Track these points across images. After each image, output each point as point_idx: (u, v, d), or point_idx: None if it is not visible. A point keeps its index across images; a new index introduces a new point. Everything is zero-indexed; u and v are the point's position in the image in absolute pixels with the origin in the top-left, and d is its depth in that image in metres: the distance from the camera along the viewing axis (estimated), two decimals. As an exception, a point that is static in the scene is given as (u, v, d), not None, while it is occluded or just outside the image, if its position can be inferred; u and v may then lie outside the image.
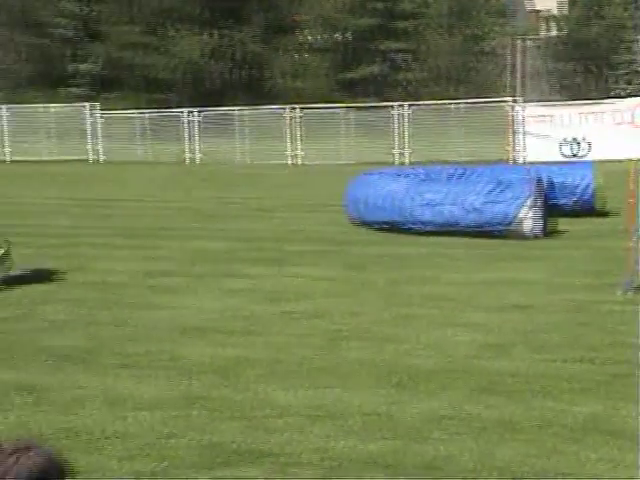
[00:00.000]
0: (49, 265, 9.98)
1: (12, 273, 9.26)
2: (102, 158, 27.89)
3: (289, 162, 26.54)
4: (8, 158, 28.18)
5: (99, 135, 28.12)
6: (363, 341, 6.88)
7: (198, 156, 27.37)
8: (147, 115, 28.75)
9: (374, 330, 7.23)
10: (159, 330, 7.29)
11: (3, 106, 29.72)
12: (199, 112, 27.73)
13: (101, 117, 28.45)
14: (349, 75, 37.88)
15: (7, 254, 9.29)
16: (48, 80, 39.02)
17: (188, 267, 10.00)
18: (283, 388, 5.79)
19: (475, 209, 11.42)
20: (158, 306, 8.14)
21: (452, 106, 26.94)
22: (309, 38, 39.04)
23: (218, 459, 4.68)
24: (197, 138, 27.45)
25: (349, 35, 38.97)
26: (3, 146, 28.54)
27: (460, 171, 13.21)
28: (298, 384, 5.87)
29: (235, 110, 28.05)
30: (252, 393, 5.69)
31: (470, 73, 38.97)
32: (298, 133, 26.71)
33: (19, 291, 8.82)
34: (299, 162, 26.61)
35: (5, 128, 28.13)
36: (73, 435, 5.04)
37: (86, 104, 29.00)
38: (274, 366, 6.27)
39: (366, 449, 4.78)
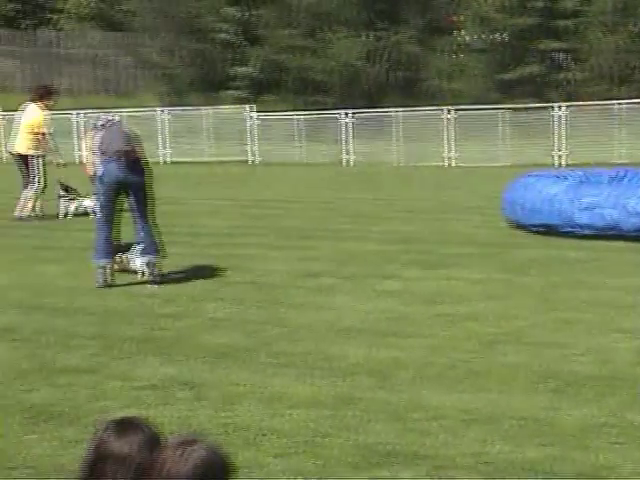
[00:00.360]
0: (208, 264, 10.24)
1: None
2: (258, 159, 28.41)
3: (444, 164, 26.36)
4: (169, 159, 29.07)
5: (255, 137, 28.67)
6: (519, 345, 6.76)
7: (353, 157, 27.52)
8: (303, 117, 29.11)
9: (531, 334, 7.09)
10: (315, 330, 7.36)
11: (165, 109, 30.67)
12: (354, 114, 27.88)
13: (258, 119, 28.99)
14: (507, 76, 37.31)
15: None
16: (209, 84, 40.05)
17: (341, 268, 10.06)
18: (436, 391, 5.75)
19: (637, 213, 11.04)
20: (313, 306, 8.22)
21: (615, 106, 26.11)
22: (467, 38, 38.65)
23: (373, 460, 4.69)
24: (352, 139, 27.61)
25: (507, 35, 38.40)
26: (164, 147, 29.44)
27: (621, 173, 12.79)
28: (452, 387, 5.82)
29: (390, 111, 28.07)
30: (406, 395, 5.68)
31: (634, 72, 37.73)
32: (453, 134, 26.50)
33: (178, 289, 9.08)
34: (454, 164, 26.39)
35: (166, 130, 29.01)
36: (230, 431, 5.15)
37: (246, 106, 29.61)
38: (427, 368, 6.24)
39: (523, 455, 4.69)
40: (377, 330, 7.34)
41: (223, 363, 6.47)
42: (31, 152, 14.34)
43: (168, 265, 9.55)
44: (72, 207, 14.49)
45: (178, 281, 9.43)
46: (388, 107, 29.22)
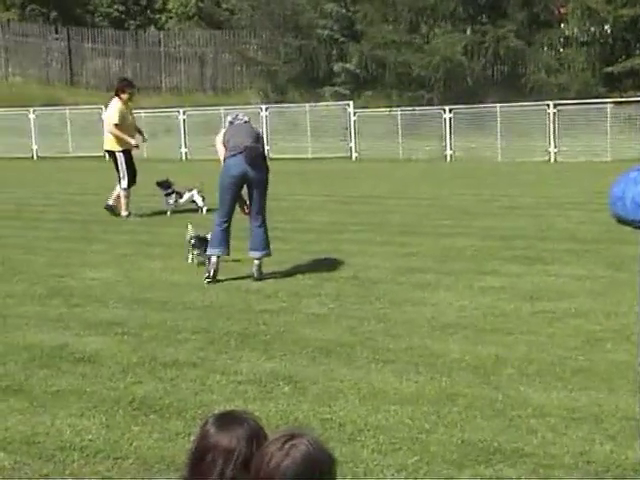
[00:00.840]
0: (309, 259, 10.31)
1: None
2: (358, 155, 28.43)
3: (546, 159, 25.95)
4: (269, 156, 29.30)
5: (355, 133, 28.69)
6: (623, 343, 6.62)
7: (452, 153, 27.31)
8: (403, 113, 29.01)
9: (636, 331, 6.93)
10: (415, 326, 7.35)
11: (266, 106, 30.95)
12: (455, 109, 27.67)
13: (358, 115, 29.00)
14: (612, 69, 36.48)
15: None
16: (309, 80, 40.24)
17: (441, 264, 10.01)
18: (539, 388, 5.69)
19: None
20: (415, 302, 8.20)
21: None
22: (575, 31, 37.82)
23: (476, 457, 4.65)
24: (453, 135, 27.40)
25: (613, 27, 37.52)
26: (266, 144, 29.67)
27: None
28: (555, 385, 5.75)
29: (492, 106, 27.75)
30: (508, 392, 5.63)
31: None
32: (556, 129, 26.05)
33: (279, 284, 9.16)
34: (557, 159, 25.95)
35: (266, 127, 29.25)
36: (330, 426, 5.17)
37: (349, 102, 29.67)
38: (529, 365, 6.17)
39: (627, 455, 4.60)
40: (478, 326, 7.29)
41: (323, 358, 6.50)
42: (111, 147, 14.63)
43: (269, 260, 9.64)
44: (173, 200, 14.67)
45: (279, 276, 9.52)
46: (490, 102, 28.89)
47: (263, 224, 9.53)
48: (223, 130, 9.90)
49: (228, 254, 9.56)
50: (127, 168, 14.43)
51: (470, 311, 7.81)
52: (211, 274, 9.35)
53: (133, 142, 14.58)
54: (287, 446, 2.51)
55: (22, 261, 10.77)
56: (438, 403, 5.47)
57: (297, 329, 7.36)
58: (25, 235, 12.92)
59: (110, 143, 14.58)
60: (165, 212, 14.68)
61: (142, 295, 8.78)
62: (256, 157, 9.31)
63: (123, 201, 14.52)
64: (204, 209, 14.46)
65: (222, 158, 9.54)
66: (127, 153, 14.54)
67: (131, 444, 4.99)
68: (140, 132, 15.17)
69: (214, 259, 9.43)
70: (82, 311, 8.15)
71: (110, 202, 14.64)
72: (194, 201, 14.69)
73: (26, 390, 5.94)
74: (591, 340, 6.75)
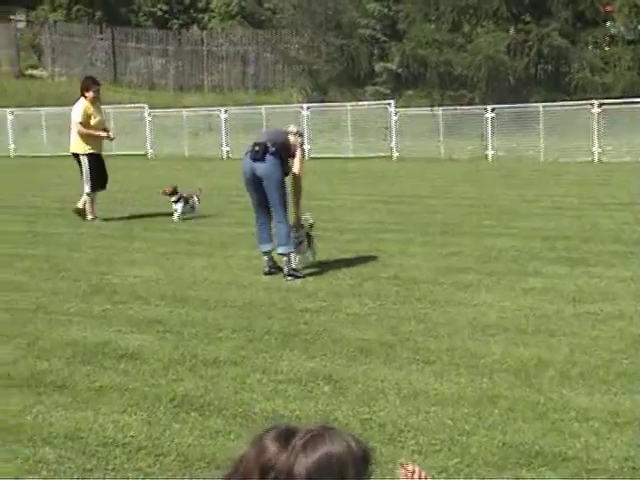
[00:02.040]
0: (349, 259, 10.30)
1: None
2: (398, 155, 28.35)
3: (590, 159, 25.70)
4: (308, 155, 29.34)
5: (396, 132, 28.61)
6: (669, 347, 6.54)
7: (494, 152, 27.14)
8: (444, 112, 28.89)
9: (681, 336, 6.85)
10: (459, 327, 7.31)
11: (307, 105, 30.97)
12: (498, 108, 27.49)
13: (399, 114, 28.93)
14: (658, 68, 36.03)
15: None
16: (351, 79, 40.21)
17: (483, 264, 9.95)
18: (582, 391, 5.63)
19: None
20: (456, 303, 8.17)
21: None
22: (621, 29, 37.37)
23: (517, 460, 4.62)
24: (495, 134, 27.23)
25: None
26: (307, 143, 29.71)
27: None
28: (598, 388, 5.69)
29: (535, 106, 27.54)
30: (551, 394, 5.58)
31: None
32: (600, 129, 25.79)
33: (319, 284, 9.16)
34: (601, 159, 25.69)
35: (307, 126, 29.25)
36: (369, 426, 5.16)
37: (391, 102, 29.60)
38: (572, 368, 6.11)
39: (672, 461, 4.54)
40: (520, 328, 7.24)
41: (364, 358, 6.50)
42: (75, 150, 14.13)
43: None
44: (181, 207, 14.04)
45: (319, 276, 9.52)
46: (533, 102, 28.64)
47: (282, 219, 9.54)
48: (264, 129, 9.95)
49: (271, 250, 9.65)
50: (92, 172, 13.88)
51: (511, 312, 7.76)
52: (264, 270, 9.63)
53: (103, 134, 14.09)
54: (307, 443, 2.48)
55: (66, 258, 10.88)
56: (479, 405, 5.44)
57: (337, 329, 7.35)
58: (69, 232, 13.05)
59: (75, 146, 14.05)
60: (174, 218, 14.40)
61: (183, 293, 8.83)
62: (260, 152, 9.32)
63: (88, 206, 14.06)
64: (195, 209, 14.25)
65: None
66: (93, 157, 13.99)
67: (172, 441, 5.02)
68: (106, 130, 14.42)
69: (264, 256, 9.69)
70: (124, 308, 8.22)
71: (79, 205, 14.21)
72: (193, 206, 14.25)
73: (70, 386, 6.00)
74: (635, 343, 6.68)
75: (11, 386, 6.01)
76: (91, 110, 14.00)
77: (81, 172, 14.04)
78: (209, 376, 6.16)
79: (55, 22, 48.04)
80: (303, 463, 2.41)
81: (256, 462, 2.55)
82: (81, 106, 14.01)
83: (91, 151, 13.99)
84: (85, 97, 14.09)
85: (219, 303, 8.35)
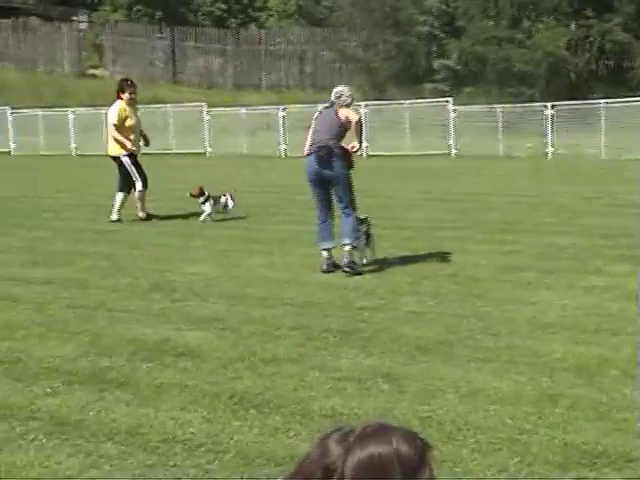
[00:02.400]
0: (408, 257, 10.27)
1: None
2: (457, 152, 28.19)
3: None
4: (365, 153, 29.30)
5: (454, 130, 28.45)
6: None
7: (554, 150, 26.85)
8: (503, 109, 28.66)
9: None
10: (519, 325, 7.25)
11: (362, 103, 30.92)
12: (558, 105, 27.20)
13: (457, 112, 28.76)
14: None
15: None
16: (409, 77, 40.10)
17: (543, 262, 9.85)
18: (645, 391, 5.55)
19: None
20: (516, 301, 8.10)
21: None
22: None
23: (581, 460, 4.56)
24: (555, 132, 26.93)
25: None
26: (365, 141, 29.66)
27: None
28: (661, 388, 5.59)
29: (596, 102, 27.19)
30: (615, 394, 5.50)
31: None
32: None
33: (377, 281, 9.14)
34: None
35: (365, 124, 29.20)
36: (428, 425, 5.14)
37: (449, 99, 29.45)
38: (634, 367, 6.01)
39: None
40: (581, 326, 7.15)
41: (422, 356, 6.47)
42: (115, 153, 14.04)
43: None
44: (210, 207, 13.82)
45: (377, 273, 9.51)
46: (594, 98, 28.29)
47: (350, 213, 9.60)
48: (316, 113, 9.88)
49: (332, 247, 9.67)
50: (137, 169, 13.89)
51: (572, 311, 7.67)
52: (323, 268, 9.65)
53: (129, 145, 13.84)
54: (355, 442, 2.48)
55: (126, 256, 11.00)
56: (539, 404, 5.38)
57: (396, 326, 7.33)
58: (129, 230, 13.19)
59: (113, 148, 14.01)
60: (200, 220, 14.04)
61: (242, 291, 8.87)
62: (326, 157, 9.34)
63: (138, 204, 14.05)
64: (229, 208, 14.07)
65: (305, 150, 9.66)
66: (133, 155, 13.96)
67: (231, 438, 5.05)
68: (144, 137, 14.35)
69: (324, 253, 9.69)
70: (183, 306, 8.29)
71: (140, 214, 14.12)
72: (226, 205, 14.10)
73: (131, 383, 6.06)
74: (700, 342, 6.56)
75: (74, 382, 6.09)
76: (127, 112, 13.92)
77: (121, 174, 14.00)
78: (268, 374, 6.18)
79: (116, 22, 48.63)
80: (349, 463, 2.42)
81: (319, 463, 2.55)
82: (117, 108, 13.92)
83: (130, 150, 13.89)
84: (121, 99, 13.99)
85: (277, 301, 8.37)
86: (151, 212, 14.25)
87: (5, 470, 4.69)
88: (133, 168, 13.89)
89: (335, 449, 2.49)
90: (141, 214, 14.09)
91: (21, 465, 4.75)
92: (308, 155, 9.56)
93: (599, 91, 31.80)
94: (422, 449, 2.44)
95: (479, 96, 35.29)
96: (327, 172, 9.42)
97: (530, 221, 12.96)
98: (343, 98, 9.66)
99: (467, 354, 6.47)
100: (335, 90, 9.71)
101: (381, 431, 2.48)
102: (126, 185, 13.99)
